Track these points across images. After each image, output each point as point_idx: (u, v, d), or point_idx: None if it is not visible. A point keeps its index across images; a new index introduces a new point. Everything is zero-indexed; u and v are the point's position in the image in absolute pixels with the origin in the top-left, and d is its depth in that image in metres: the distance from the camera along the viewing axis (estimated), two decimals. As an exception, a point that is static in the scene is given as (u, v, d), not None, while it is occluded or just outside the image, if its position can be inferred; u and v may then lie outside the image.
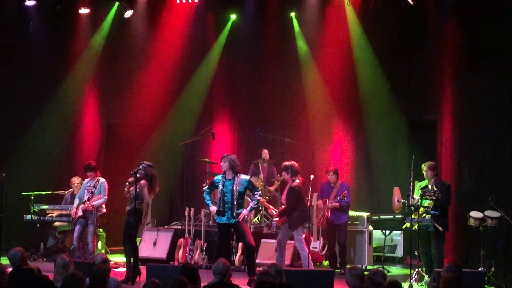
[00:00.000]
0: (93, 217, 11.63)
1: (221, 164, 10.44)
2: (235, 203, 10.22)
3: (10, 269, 7.56)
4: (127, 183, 10.47)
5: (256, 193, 10.43)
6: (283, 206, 11.05)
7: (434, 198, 10.46)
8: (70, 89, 14.42)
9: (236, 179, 10.30)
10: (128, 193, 10.46)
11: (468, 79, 12.54)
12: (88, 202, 11.59)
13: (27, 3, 13.56)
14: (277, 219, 11.16)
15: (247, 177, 10.58)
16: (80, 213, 11.58)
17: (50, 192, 13.17)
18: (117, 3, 14.02)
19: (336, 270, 11.36)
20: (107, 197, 11.71)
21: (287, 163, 11.00)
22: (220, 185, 10.35)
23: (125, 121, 14.84)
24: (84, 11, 13.87)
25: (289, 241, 11.73)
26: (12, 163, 13.50)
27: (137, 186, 10.30)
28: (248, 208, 10.48)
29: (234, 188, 10.26)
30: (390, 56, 13.60)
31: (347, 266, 7.77)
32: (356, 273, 6.98)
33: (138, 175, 10.38)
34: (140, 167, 10.48)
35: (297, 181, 10.95)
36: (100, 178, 11.75)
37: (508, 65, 11.51)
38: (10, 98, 13.94)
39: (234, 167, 10.33)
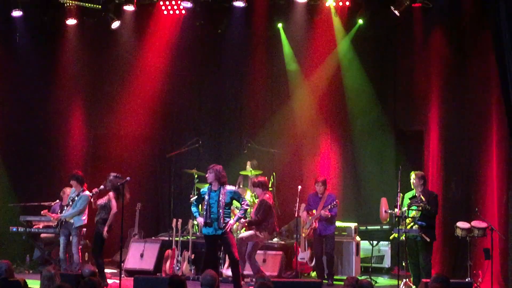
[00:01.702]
0: (75, 228, 11.49)
1: (207, 175, 10.47)
2: (221, 214, 10.21)
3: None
4: (91, 194, 11.08)
5: (243, 202, 10.43)
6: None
7: (421, 208, 10.50)
8: (56, 100, 14.38)
9: (222, 190, 10.30)
10: (95, 204, 11.08)
11: (455, 90, 12.61)
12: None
13: (14, 13, 13.50)
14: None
15: (233, 187, 10.58)
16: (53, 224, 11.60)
17: (37, 204, 13.07)
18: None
19: (324, 281, 11.35)
20: (82, 209, 11.41)
21: (260, 179, 11.48)
22: (206, 196, 10.35)
23: (112, 132, 14.80)
24: (71, 22, 13.84)
25: (275, 252, 11.74)
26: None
27: (105, 198, 10.92)
28: (235, 218, 10.47)
29: (220, 198, 10.25)
30: (377, 66, 13.67)
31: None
32: (348, 283, 7.13)
33: (102, 186, 10.98)
34: (108, 179, 11.00)
35: (267, 195, 11.36)
36: (86, 192, 11.49)
37: (494, 75, 11.59)
38: (0, 109, 13.87)
39: (220, 178, 10.33)
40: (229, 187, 10.44)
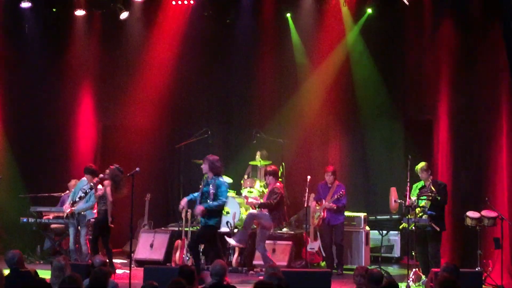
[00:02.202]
0: (85, 220, 11.58)
1: (202, 166, 10.47)
2: None
3: (7, 272, 7.55)
4: (95, 181, 11.30)
5: (220, 198, 10.31)
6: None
7: (431, 197, 10.50)
8: (66, 91, 14.42)
9: (214, 181, 10.32)
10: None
11: (464, 79, 12.56)
12: (74, 204, 11.57)
13: (23, 5, 13.55)
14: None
15: (224, 181, 10.47)
16: (64, 215, 11.60)
17: (47, 194, 13.13)
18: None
19: (333, 270, 11.36)
20: (94, 203, 11.55)
21: (272, 168, 11.48)
22: (201, 186, 10.42)
23: (121, 123, 14.83)
24: (79, 13, 13.85)
25: (284, 242, 11.75)
26: (8, 165, 13.47)
27: (103, 188, 11.09)
28: (204, 204, 10.28)
29: (211, 189, 10.26)
30: (386, 56, 13.61)
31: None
32: (359, 273, 7.17)
33: (102, 175, 11.16)
34: (109, 168, 11.15)
35: (278, 184, 11.37)
36: (99, 185, 11.56)
37: (504, 64, 11.53)
38: (5, 100, 13.92)
39: (213, 169, 10.30)
40: (220, 180, 10.36)
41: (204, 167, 10.43)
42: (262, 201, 11.57)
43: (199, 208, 10.26)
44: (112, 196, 11.10)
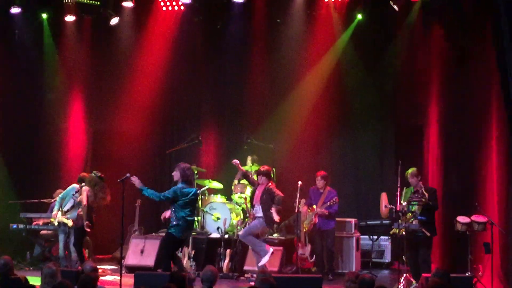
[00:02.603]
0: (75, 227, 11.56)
1: (173, 173, 10.40)
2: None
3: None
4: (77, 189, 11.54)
5: (162, 193, 10.28)
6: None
7: (423, 203, 10.51)
8: (56, 97, 14.38)
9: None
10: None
11: (455, 84, 12.58)
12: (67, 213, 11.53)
13: (13, 10, 13.50)
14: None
15: (186, 187, 10.18)
16: (55, 222, 11.54)
17: (37, 201, 13.08)
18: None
19: (324, 276, 11.35)
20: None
21: (266, 168, 11.48)
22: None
23: (111, 128, 14.79)
24: (69, 18, 13.82)
25: (275, 248, 11.73)
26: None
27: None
28: (140, 185, 10.25)
29: None
30: (377, 61, 13.63)
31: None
32: (350, 279, 7.17)
33: (83, 183, 11.40)
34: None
35: (270, 184, 11.41)
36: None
37: (494, 69, 11.57)
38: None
39: (184, 176, 10.21)
40: (180, 184, 10.19)
41: (175, 174, 10.30)
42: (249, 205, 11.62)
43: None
44: (93, 203, 11.31)
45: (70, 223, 11.43)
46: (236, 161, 11.68)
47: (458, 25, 12.45)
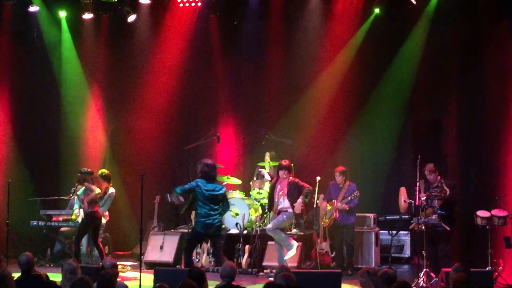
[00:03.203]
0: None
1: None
2: None
3: (17, 275, 7.57)
4: (73, 189, 11.76)
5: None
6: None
7: (442, 196, 10.47)
8: (74, 94, 14.48)
9: None
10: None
11: (473, 78, 12.53)
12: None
13: (31, 9, 13.60)
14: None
15: (210, 184, 10.27)
16: (79, 220, 11.58)
17: (56, 198, 13.17)
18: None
19: (343, 271, 11.33)
20: (108, 207, 11.82)
21: (287, 162, 11.30)
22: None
23: (130, 125, 14.85)
24: (87, 16, 13.88)
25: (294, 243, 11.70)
26: (18, 169, 13.52)
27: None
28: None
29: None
30: (394, 56, 13.57)
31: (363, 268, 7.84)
32: (373, 274, 7.17)
33: (77, 183, 11.66)
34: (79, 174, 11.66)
35: (291, 178, 11.24)
36: (110, 188, 11.71)
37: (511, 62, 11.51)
38: (14, 104, 13.98)
39: (202, 172, 10.32)
40: (201, 181, 10.30)
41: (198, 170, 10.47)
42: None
43: None
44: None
45: (102, 220, 11.47)
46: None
47: (475, 19, 12.38)
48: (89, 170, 11.70)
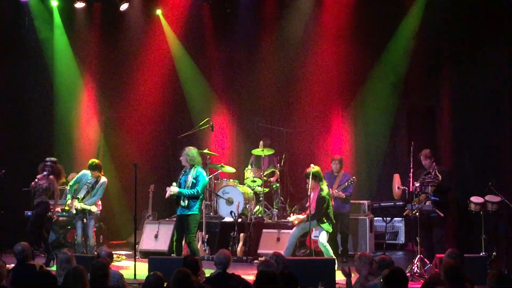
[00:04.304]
0: (92, 212, 11.55)
1: (180, 158, 10.60)
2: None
3: (12, 265, 7.58)
4: (36, 179, 11.56)
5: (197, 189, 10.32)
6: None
7: (435, 183, 10.50)
8: (67, 84, 14.43)
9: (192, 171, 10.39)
10: (35, 187, 11.60)
11: (466, 64, 12.52)
12: (81, 201, 11.49)
13: (22, -2, 13.55)
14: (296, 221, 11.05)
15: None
16: (73, 211, 11.49)
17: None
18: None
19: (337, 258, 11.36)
20: (101, 196, 11.65)
21: (310, 170, 10.76)
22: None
23: (123, 115, 14.83)
24: (79, 5, 13.83)
25: (288, 231, 11.72)
26: (11, 158, 13.49)
27: (47, 181, 11.55)
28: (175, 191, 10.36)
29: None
30: (387, 41, 13.53)
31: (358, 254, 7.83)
32: (366, 260, 7.25)
33: (46, 172, 11.57)
34: (48, 163, 11.64)
35: (325, 188, 10.84)
36: (102, 178, 11.60)
37: (506, 48, 11.48)
38: (8, 93, 13.94)
39: (191, 160, 10.41)
40: (198, 170, 10.41)
41: (182, 159, 10.48)
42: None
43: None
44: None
45: (94, 208, 11.43)
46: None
47: (470, 4, 12.35)
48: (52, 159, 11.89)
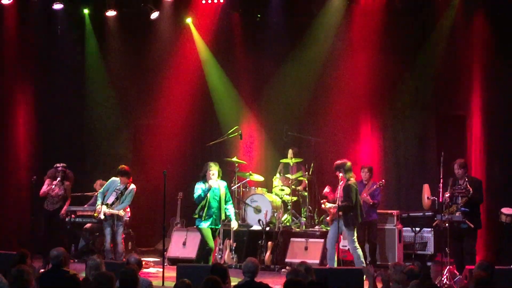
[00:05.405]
0: (122, 219, 11.59)
1: None
2: None
3: (42, 270, 7.62)
4: (53, 186, 11.94)
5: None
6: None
7: (467, 196, 10.38)
8: (98, 92, 14.58)
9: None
10: (49, 193, 12.00)
11: (497, 73, 12.43)
12: (110, 208, 11.50)
13: (55, 6, 13.69)
14: (328, 218, 11.10)
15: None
16: (101, 216, 11.48)
17: (80, 194, 13.25)
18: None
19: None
20: (129, 203, 11.65)
21: (338, 162, 10.93)
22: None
23: (152, 122, 14.92)
24: (111, 13, 13.96)
25: (317, 240, 11.67)
26: (42, 165, 13.62)
27: (63, 187, 12.01)
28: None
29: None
30: (418, 51, 13.47)
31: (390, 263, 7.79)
32: (400, 269, 7.24)
33: (59, 178, 11.95)
34: (59, 169, 12.02)
35: (352, 178, 10.88)
36: (131, 185, 11.59)
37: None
38: (39, 101, 14.10)
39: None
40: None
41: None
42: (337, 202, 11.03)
43: None
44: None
45: (122, 213, 11.45)
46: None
47: (500, 13, 12.25)
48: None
